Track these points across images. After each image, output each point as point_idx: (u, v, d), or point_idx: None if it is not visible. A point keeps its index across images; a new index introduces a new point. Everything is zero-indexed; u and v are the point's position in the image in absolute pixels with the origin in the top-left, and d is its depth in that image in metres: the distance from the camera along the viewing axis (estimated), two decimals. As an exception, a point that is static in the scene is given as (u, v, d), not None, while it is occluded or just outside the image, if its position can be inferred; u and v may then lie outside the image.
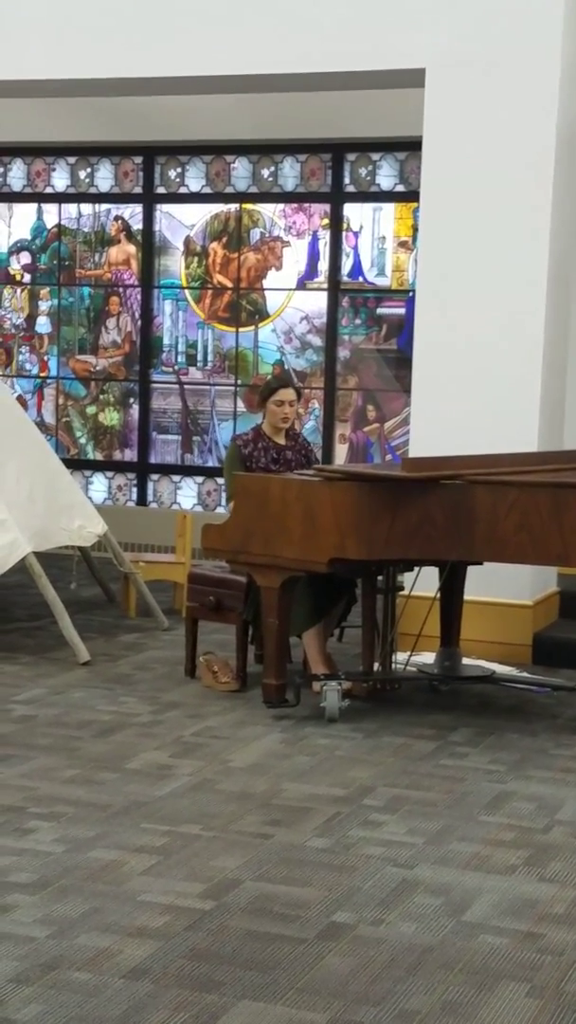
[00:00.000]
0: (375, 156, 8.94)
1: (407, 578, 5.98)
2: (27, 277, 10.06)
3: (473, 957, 3.41)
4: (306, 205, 9.18)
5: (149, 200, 9.56)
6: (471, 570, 6.09)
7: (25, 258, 10.05)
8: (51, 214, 9.92)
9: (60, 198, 9.84)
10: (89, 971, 3.26)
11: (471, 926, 3.60)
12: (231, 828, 4.27)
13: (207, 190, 9.40)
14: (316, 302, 9.18)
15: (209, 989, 3.19)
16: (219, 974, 3.27)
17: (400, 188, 8.91)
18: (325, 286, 9.11)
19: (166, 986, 3.20)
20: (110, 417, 9.85)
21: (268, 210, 9.28)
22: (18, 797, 4.48)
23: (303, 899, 3.74)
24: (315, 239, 9.17)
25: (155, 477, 9.70)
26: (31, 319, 10.04)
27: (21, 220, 10.03)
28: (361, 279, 9.08)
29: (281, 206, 9.24)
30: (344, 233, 9.07)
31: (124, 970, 3.27)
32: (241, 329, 9.39)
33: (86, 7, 7.17)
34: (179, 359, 9.60)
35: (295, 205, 9.21)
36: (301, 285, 9.22)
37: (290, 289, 9.24)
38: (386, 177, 8.94)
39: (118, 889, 3.75)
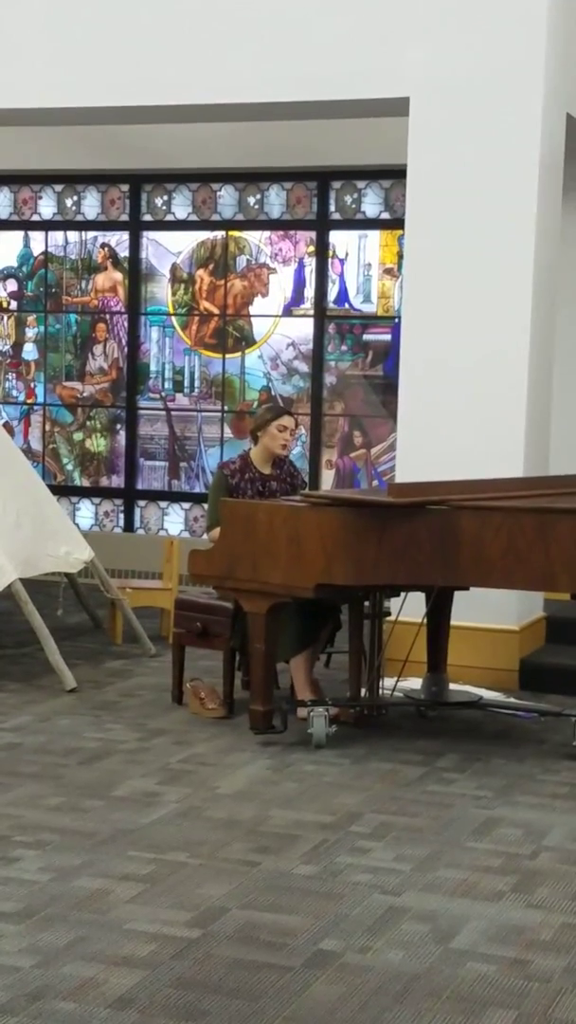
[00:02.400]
0: (360, 184, 8.99)
1: (394, 603, 5.99)
2: (14, 304, 10.07)
3: (460, 984, 3.40)
4: (292, 232, 9.22)
5: (135, 227, 9.59)
6: (458, 595, 6.10)
7: (12, 285, 10.07)
8: (38, 241, 9.95)
9: (47, 225, 9.87)
10: (75, 1001, 3.24)
11: (458, 953, 3.59)
12: (218, 856, 4.25)
13: (193, 217, 9.44)
14: (302, 328, 9.21)
15: (196, 1018, 3.17)
16: (206, 1003, 3.25)
17: (385, 215, 8.96)
18: (311, 313, 9.15)
19: (152, 1015, 3.18)
20: (97, 443, 9.86)
21: (254, 237, 9.32)
22: (3, 825, 4.46)
23: (290, 927, 3.72)
24: (301, 266, 9.21)
25: (142, 503, 9.70)
26: (18, 346, 10.06)
27: (8, 247, 10.05)
28: (347, 306, 9.11)
29: (267, 233, 9.28)
30: (330, 260, 9.11)
31: (110, 1000, 3.25)
32: (227, 355, 9.41)
33: (73, 37, 7.21)
34: (166, 385, 9.62)
35: (281, 232, 9.25)
36: (287, 312, 9.25)
37: (276, 316, 9.27)
38: (371, 205, 8.99)
39: (104, 918, 3.74)
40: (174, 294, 9.56)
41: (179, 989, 3.32)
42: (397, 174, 8.25)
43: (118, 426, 9.76)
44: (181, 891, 3.95)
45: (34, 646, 6.78)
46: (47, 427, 9.98)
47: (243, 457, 6.20)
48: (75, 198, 9.76)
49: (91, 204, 9.72)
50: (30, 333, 10.01)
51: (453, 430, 6.66)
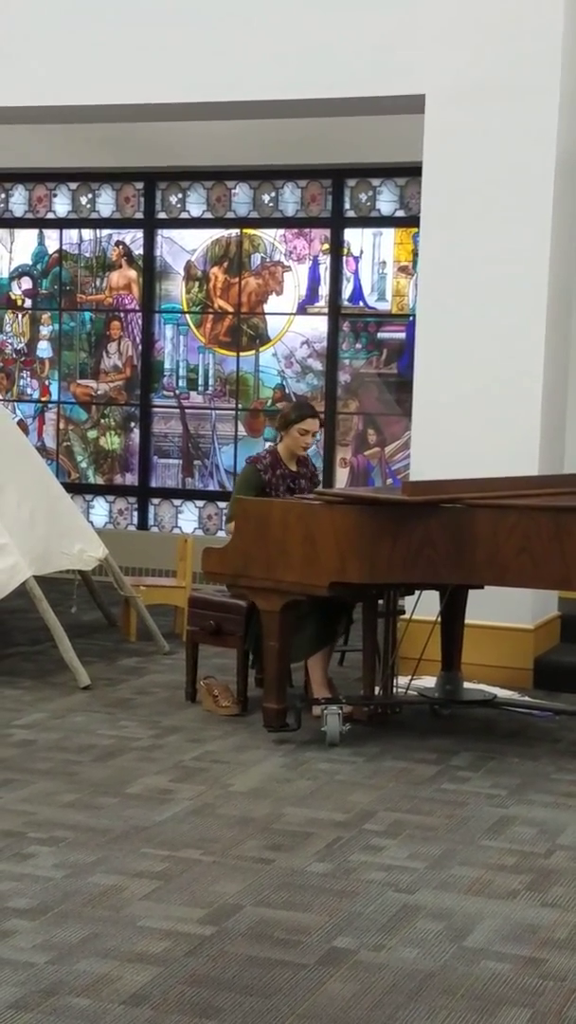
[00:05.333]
0: (375, 182, 8.98)
1: (408, 602, 5.98)
2: (28, 302, 10.09)
3: (475, 983, 3.39)
4: (306, 230, 9.22)
5: (150, 225, 9.60)
6: (472, 594, 6.09)
7: (26, 283, 10.08)
8: (52, 239, 9.97)
9: (61, 223, 9.89)
10: (89, 997, 3.24)
11: (473, 951, 3.58)
12: (231, 853, 4.25)
13: (208, 215, 9.44)
14: (317, 326, 9.21)
15: (209, 1015, 3.17)
16: (219, 1000, 3.25)
17: (400, 213, 8.95)
18: (326, 311, 9.14)
19: (166, 1012, 3.18)
20: (111, 441, 9.87)
21: (269, 235, 9.32)
22: (18, 822, 4.47)
23: (304, 924, 3.72)
24: (316, 264, 9.21)
25: (156, 501, 9.71)
26: (32, 344, 10.07)
27: (23, 245, 10.07)
28: (361, 304, 9.11)
29: (282, 231, 9.28)
30: (344, 258, 9.10)
31: (124, 996, 3.25)
32: (242, 353, 9.41)
33: (87, 34, 7.22)
34: (180, 383, 9.62)
35: (295, 230, 9.25)
36: (302, 310, 9.25)
37: (291, 314, 9.27)
38: (386, 202, 8.98)
39: (118, 914, 3.74)
40: (188, 292, 9.56)
41: (193, 986, 3.32)
42: (412, 172, 8.25)
43: (132, 424, 9.77)
44: (195, 888, 3.95)
45: (48, 643, 6.79)
46: (61, 425, 9.99)
47: (272, 452, 6.19)
48: (90, 196, 9.77)
49: (106, 202, 9.73)
50: (45, 331, 10.02)
51: (468, 428, 6.65)
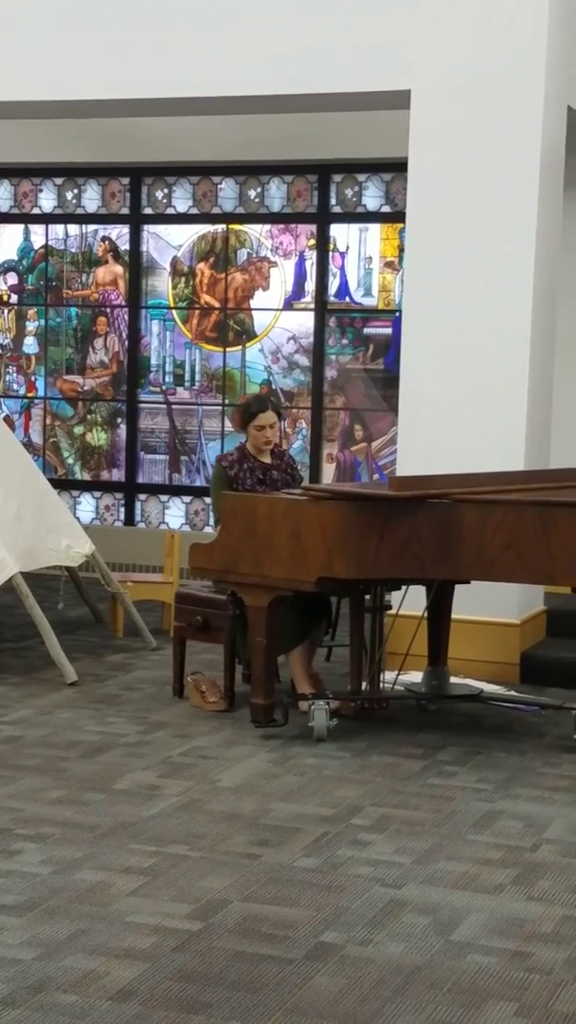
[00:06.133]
0: (361, 177, 8.98)
1: (394, 597, 5.99)
2: (14, 298, 10.07)
3: (461, 976, 3.40)
4: (293, 226, 9.21)
5: (136, 221, 9.58)
6: (458, 588, 6.10)
7: (12, 279, 10.06)
8: (38, 235, 9.94)
9: (47, 219, 9.87)
10: (76, 993, 3.24)
11: (459, 945, 3.59)
12: (219, 848, 4.26)
13: (194, 211, 9.43)
14: (303, 322, 9.21)
15: (197, 1010, 3.18)
16: (207, 995, 3.26)
17: (386, 209, 8.95)
18: (312, 306, 9.14)
19: (153, 1008, 3.18)
20: (98, 437, 9.86)
21: (255, 231, 9.32)
22: (4, 818, 4.47)
23: (291, 919, 3.73)
24: (302, 259, 9.21)
25: (143, 497, 9.70)
26: (18, 339, 10.05)
27: (8, 241, 10.04)
28: (348, 299, 9.11)
29: (268, 227, 9.28)
30: (331, 253, 9.10)
31: (111, 992, 3.25)
32: (228, 349, 9.41)
33: (73, 29, 7.21)
34: (166, 379, 9.62)
35: (282, 226, 9.24)
36: (288, 305, 9.25)
37: (277, 309, 9.26)
38: (372, 198, 8.98)
39: (105, 910, 3.74)
40: (175, 288, 9.55)
41: (180, 981, 3.32)
42: (398, 167, 8.25)
43: (119, 420, 9.76)
44: (182, 884, 3.95)
45: (35, 639, 6.78)
46: (48, 421, 9.98)
47: (240, 449, 6.20)
48: (76, 191, 9.75)
49: (91, 197, 9.71)
50: (31, 327, 10.01)
51: (454, 423, 6.66)
